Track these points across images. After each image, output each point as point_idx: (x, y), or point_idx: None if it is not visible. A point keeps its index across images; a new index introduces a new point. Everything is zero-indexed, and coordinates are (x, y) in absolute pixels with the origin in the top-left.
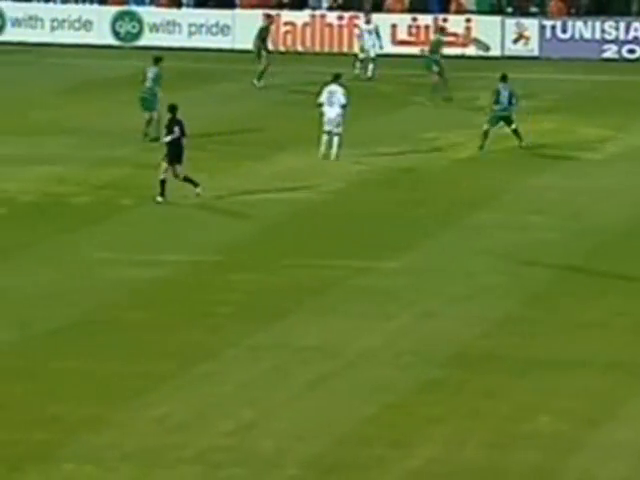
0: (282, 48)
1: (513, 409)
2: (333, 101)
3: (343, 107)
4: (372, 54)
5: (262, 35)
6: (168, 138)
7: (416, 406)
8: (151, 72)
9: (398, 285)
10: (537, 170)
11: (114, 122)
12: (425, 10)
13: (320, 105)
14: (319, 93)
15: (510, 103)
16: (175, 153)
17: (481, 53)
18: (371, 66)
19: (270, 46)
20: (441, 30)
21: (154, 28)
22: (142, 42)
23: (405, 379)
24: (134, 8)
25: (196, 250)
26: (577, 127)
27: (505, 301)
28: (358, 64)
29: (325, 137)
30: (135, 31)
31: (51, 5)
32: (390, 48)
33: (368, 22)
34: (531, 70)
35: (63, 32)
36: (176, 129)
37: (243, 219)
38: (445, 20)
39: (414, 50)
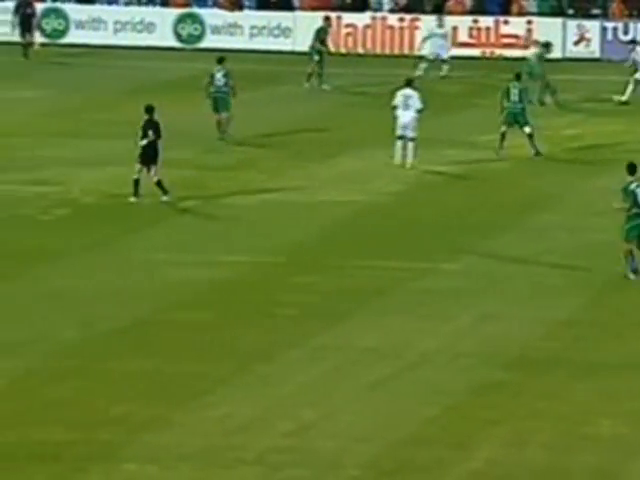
0: (343, 50)
1: (573, 411)
2: (409, 104)
3: (419, 111)
4: (444, 56)
5: (320, 37)
6: (144, 141)
7: (476, 408)
8: (220, 72)
9: (459, 287)
10: (598, 172)
11: (176, 124)
12: (486, 12)
13: (394, 108)
14: (392, 96)
15: (520, 101)
16: (150, 155)
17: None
18: (446, 67)
19: (331, 48)
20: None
21: (216, 30)
22: (204, 44)
23: (465, 381)
24: (196, 10)
25: (258, 251)
26: (639, 129)
27: (567, 303)
28: (423, 65)
29: (398, 143)
30: (197, 33)
31: (114, 7)
32: (451, 50)
33: (440, 25)
34: (592, 72)
35: (126, 34)
36: (150, 132)
37: (305, 221)
38: (506, 22)
39: (475, 52)
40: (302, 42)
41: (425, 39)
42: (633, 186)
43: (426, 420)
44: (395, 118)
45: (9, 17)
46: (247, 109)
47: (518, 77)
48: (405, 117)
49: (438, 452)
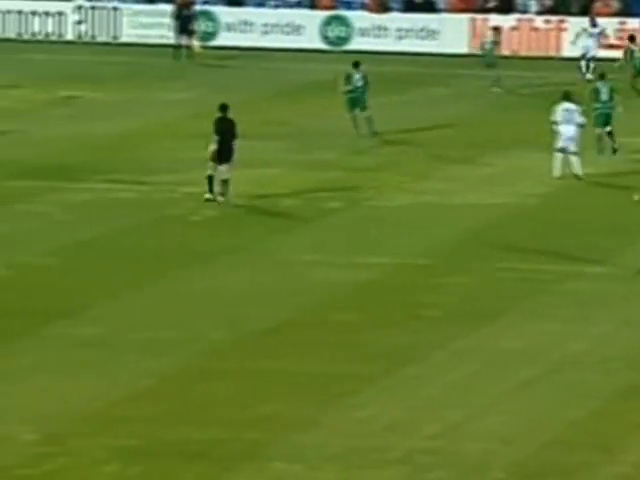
0: None
1: None
2: (570, 119)
3: (581, 126)
4: (593, 55)
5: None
6: (216, 138)
7: (622, 412)
8: (357, 74)
9: (606, 290)
10: None
11: (323, 125)
12: (633, 14)
13: (554, 123)
14: (551, 111)
15: (611, 99)
16: (225, 153)
17: None
18: (592, 65)
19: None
20: None
21: (363, 32)
22: (351, 46)
23: (611, 384)
24: (344, 12)
25: (402, 253)
26: None
27: None
28: (585, 65)
29: (558, 155)
30: (344, 35)
31: (263, 10)
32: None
33: (594, 25)
34: None
35: (274, 36)
36: (223, 130)
37: (449, 223)
38: None
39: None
40: (448, 44)
41: (579, 38)
42: None
43: (571, 423)
44: (555, 132)
45: (165, 20)
46: (394, 111)
47: (602, 76)
48: (568, 131)
49: (584, 455)
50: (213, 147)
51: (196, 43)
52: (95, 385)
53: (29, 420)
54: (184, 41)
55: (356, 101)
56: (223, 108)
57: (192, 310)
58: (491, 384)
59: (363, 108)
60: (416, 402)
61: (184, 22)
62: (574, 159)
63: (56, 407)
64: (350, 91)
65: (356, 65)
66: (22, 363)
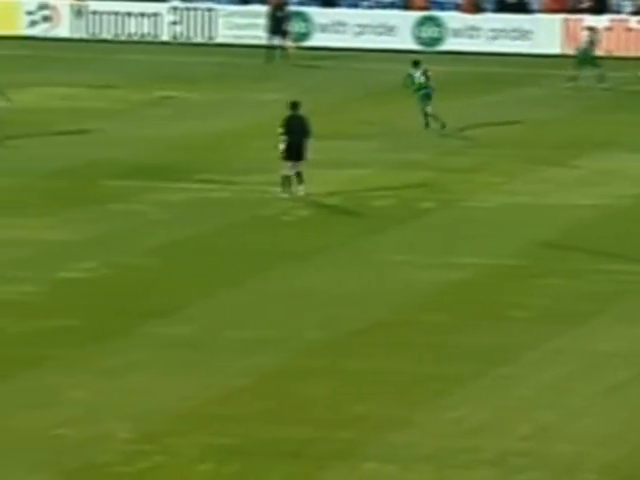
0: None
1: None
2: None
3: None
4: None
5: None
6: (284, 137)
7: None
8: (418, 72)
9: None
10: None
11: (415, 126)
12: None
13: None
14: None
15: None
16: (296, 151)
17: None
18: None
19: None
20: None
21: (456, 33)
22: (444, 47)
23: None
24: (437, 13)
25: (494, 254)
26: None
27: None
28: None
29: None
30: (437, 36)
31: (357, 10)
32: None
33: None
34: None
35: (367, 37)
36: (293, 128)
37: (542, 224)
38: None
39: None
40: (541, 44)
41: None
42: None
43: None
44: None
45: (259, 20)
46: (486, 111)
47: None
48: None
49: None
50: (282, 146)
51: (290, 44)
52: (190, 384)
53: (125, 418)
54: (277, 42)
55: (424, 97)
56: (294, 106)
57: (285, 309)
58: (584, 385)
59: (428, 103)
60: (507, 403)
61: (278, 23)
62: None
63: (152, 405)
64: (418, 89)
65: (416, 64)
66: (118, 361)
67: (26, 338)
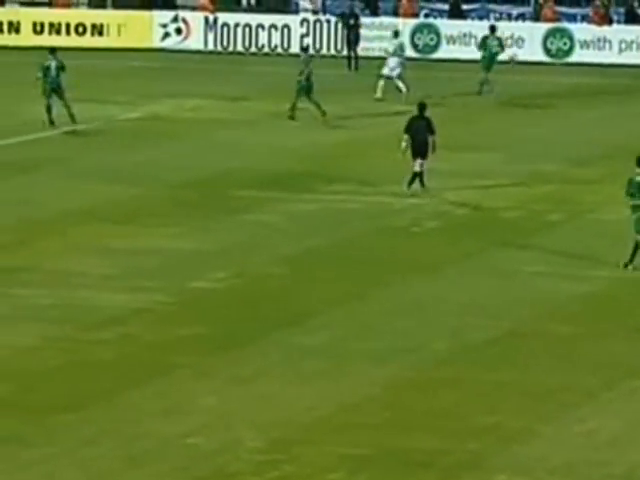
0: None
1: None
2: None
3: None
4: None
5: None
6: (405, 137)
7: None
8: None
9: None
10: None
11: (543, 136)
12: None
13: None
14: None
15: None
16: (421, 149)
17: None
18: None
19: None
20: None
21: (584, 45)
22: (572, 59)
23: None
24: (566, 25)
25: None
26: None
27: None
28: None
29: None
30: (566, 48)
31: (485, 22)
32: None
33: None
34: None
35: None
36: (415, 128)
37: None
38: None
39: None
40: None
41: None
42: (638, 178)
43: None
44: None
45: (388, 33)
46: (615, 123)
47: None
48: None
49: None
50: (403, 144)
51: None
52: (320, 392)
53: (255, 426)
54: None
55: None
56: (421, 107)
57: (414, 320)
58: None
59: None
60: (639, 415)
61: (350, 31)
62: None
63: (281, 414)
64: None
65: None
66: (249, 369)
67: (158, 346)
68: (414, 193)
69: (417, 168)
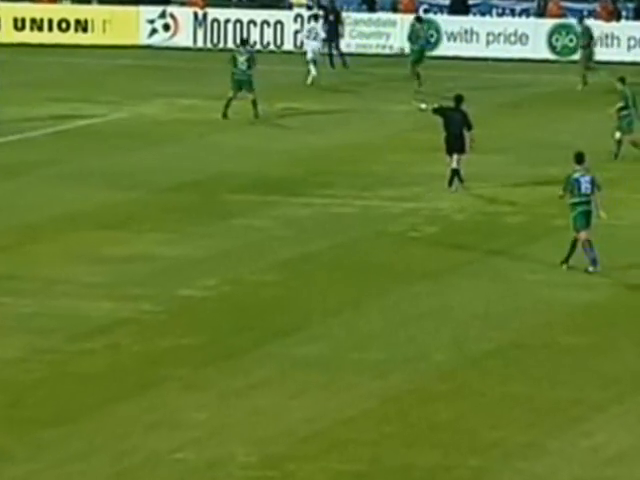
0: None
1: None
2: None
3: None
4: None
5: None
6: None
7: None
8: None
9: None
10: None
11: (548, 138)
12: None
13: None
14: None
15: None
16: (456, 144)
17: None
18: None
19: None
20: None
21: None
22: (577, 56)
23: None
24: (572, 21)
25: (636, 274)
26: None
27: None
28: None
29: None
30: (572, 45)
31: (487, 18)
32: None
33: None
34: None
35: (498, 46)
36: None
37: None
38: None
39: None
40: None
41: None
42: (577, 175)
43: None
44: None
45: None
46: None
47: None
48: None
49: None
50: (423, 105)
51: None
52: (315, 405)
53: (247, 441)
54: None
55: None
56: (458, 99)
57: (414, 329)
58: None
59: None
60: None
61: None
62: None
63: (275, 428)
64: None
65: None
66: (241, 381)
67: (147, 357)
68: (457, 190)
69: (454, 165)
